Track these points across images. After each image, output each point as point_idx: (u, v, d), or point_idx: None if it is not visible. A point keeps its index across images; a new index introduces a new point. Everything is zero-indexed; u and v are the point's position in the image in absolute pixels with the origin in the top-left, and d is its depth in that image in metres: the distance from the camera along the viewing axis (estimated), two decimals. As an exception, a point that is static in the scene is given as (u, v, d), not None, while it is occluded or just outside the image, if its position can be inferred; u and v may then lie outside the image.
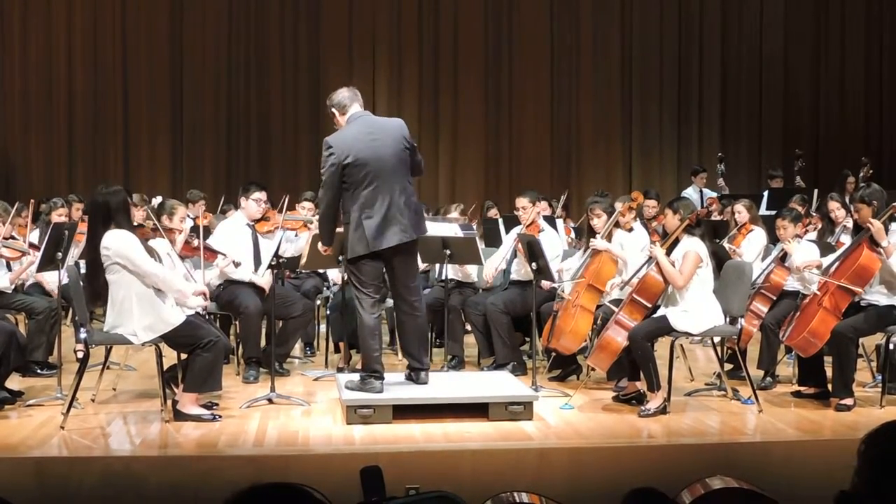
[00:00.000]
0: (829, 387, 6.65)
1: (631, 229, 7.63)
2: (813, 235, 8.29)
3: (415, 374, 6.41)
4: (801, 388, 6.92)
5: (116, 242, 5.96)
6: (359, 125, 6.29)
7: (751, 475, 3.63)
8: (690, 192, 13.39)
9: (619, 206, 7.81)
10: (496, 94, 16.35)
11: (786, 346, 7.28)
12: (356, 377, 6.39)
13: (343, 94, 6.40)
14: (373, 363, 6.27)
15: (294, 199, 9.21)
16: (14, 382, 6.97)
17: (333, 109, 6.39)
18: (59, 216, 8.53)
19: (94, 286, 6.06)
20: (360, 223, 6.13)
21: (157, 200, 7.15)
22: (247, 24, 15.95)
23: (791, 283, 7.31)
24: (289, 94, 16.05)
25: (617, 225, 7.48)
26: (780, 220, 7.56)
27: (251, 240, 7.80)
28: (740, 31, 16.80)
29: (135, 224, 6.44)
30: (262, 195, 7.90)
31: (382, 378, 6.27)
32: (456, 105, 15.85)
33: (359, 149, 6.15)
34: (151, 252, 6.10)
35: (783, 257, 7.40)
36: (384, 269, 6.33)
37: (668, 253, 6.54)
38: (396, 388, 6.34)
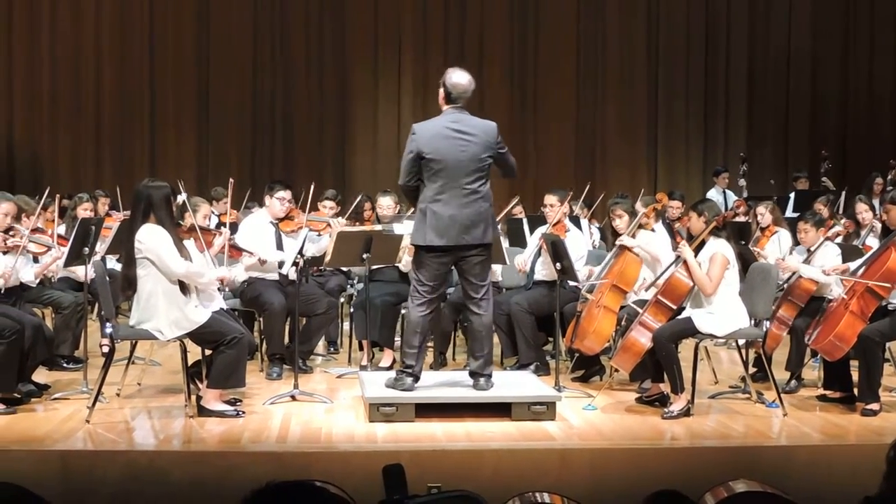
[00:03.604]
0: (855, 391, 6.61)
1: (652, 230, 7.60)
2: (839, 238, 8.22)
3: (473, 377, 6.36)
4: (827, 393, 6.87)
5: (149, 237, 6.01)
6: (448, 120, 6.23)
7: (775, 479, 3.61)
8: (713, 194, 13.33)
9: (639, 206, 7.77)
10: (521, 91, 16.34)
11: (811, 350, 7.24)
12: (394, 374, 6.40)
13: (458, 87, 6.28)
14: (407, 359, 6.28)
15: (316, 199, 9.19)
16: (40, 376, 7.02)
17: (442, 91, 6.30)
18: (84, 211, 8.59)
19: (127, 274, 6.11)
20: (424, 215, 6.15)
21: (181, 198, 7.17)
22: (272, 23, 16.00)
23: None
24: (314, 92, 16.10)
25: (640, 226, 7.45)
26: (801, 224, 7.45)
27: (274, 237, 7.82)
28: (767, 29, 16.70)
29: (177, 222, 6.48)
30: (286, 194, 7.92)
31: (415, 376, 6.27)
32: (481, 103, 15.80)
33: (439, 144, 6.13)
34: (183, 252, 6.12)
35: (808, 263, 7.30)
36: (449, 270, 6.35)
37: (694, 255, 6.51)
38: (420, 386, 6.34)
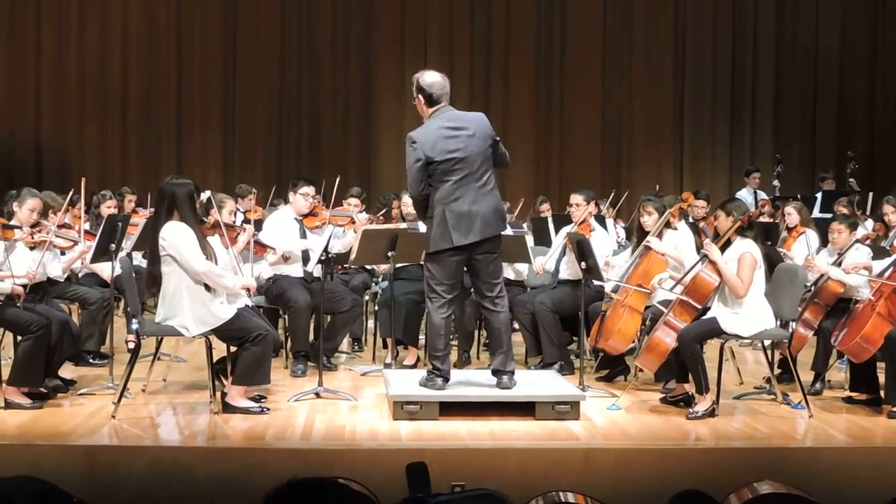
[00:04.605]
0: (882, 393, 6.56)
1: (674, 228, 7.56)
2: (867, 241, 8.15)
3: (496, 376, 6.34)
4: (853, 394, 6.82)
5: (172, 235, 6.04)
6: (443, 119, 6.20)
7: (800, 481, 3.59)
8: (744, 194, 13.27)
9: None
10: (547, 91, 16.31)
11: (837, 352, 7.19)
12: (425, 374, 6.40)
13: (436, 85, 6.22)
14: (435, 362, 6.28)
15: (341, 194, 9.19)
16: (67, 371, 7.08)
17: (420, 96, 6.24)
18: (108, 208, 8.64)
19: (152, 271, 6.15)
20: (443, 217, 6.09)
21: (205, 195, 7.19)
22: (299, 21, 16.05)
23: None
24: (340, 91, 16.14)
25: (667, 225, 7.42)
26: (836, 225, 7.38)
27: (299, 234, 7.85)
28: (795, 30, 16.60)
29: (201, 219, 6.50)
30: (310, 190, 7.94)
31: (446, 377, 6.27)
32: (507, 103, 15.83)
33: (443, 145, 6.10)
34: (207, 249, 6.15)
35: (838, 265, 7.25)
36: (464, 268, 6.29)
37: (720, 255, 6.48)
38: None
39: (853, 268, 6.95)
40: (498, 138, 6.33)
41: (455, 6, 16.16)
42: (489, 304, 6.31)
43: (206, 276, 6.06)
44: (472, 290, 7.56)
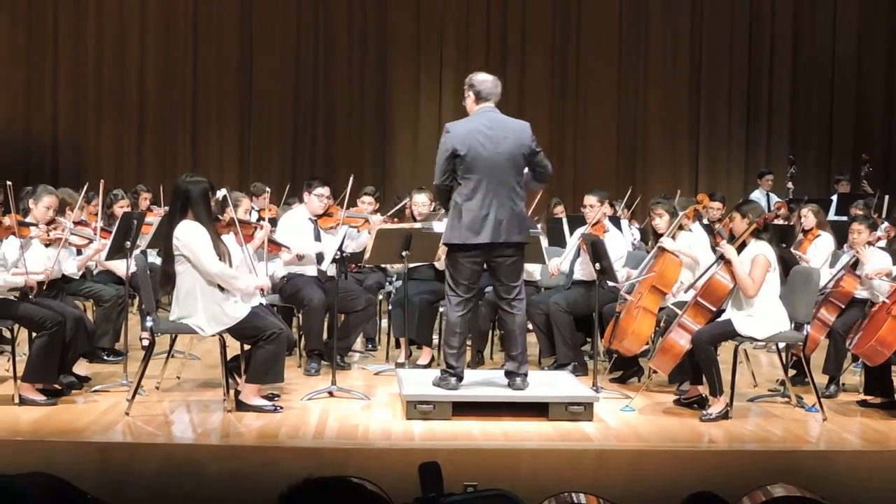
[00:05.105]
0: (896, 397, 6.54)
1: (689, 230, 7.54)
2: (882, 243, 8.13)
3: (509, 377, 6.34)
4: (867, 398, 6.79)
5: (186, 235, 6.04)
6: (482, 118, 6.22)
7: (813, 484, 3.57)
8: (758, 196, 13.23)
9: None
10: (562, 91, 16.30)
11: (852, 355, 7.16)
12: (439, 373, 6.41)
13: (488, 84, 6.29)
14: (449, 360, 6.29)
15: (355, 193, 9.18)
16: (81, 368, 7.10)
17: (471, 93, 6.31)
18: (120, 208, 8.65)
19: (166, 270, 6.15)
20: (459, 213, 6.12)
21: (221, 192, 7.19)
22: (315, 21, 16.07)
23: (860, 291, 7.17)
24: (356, 90, 16.15)
25: (680, 226, 7.41)
26: (855, 225, 7.38)
27: (313, 234, 7.86)
28: (812, 32, 16.53)
29: (216, 217, 6.50)
30: (324, 190, 7.94)
31: (458, 376, 6.27)
32: (522, 101, 15.80)
33: (474, 142, 6.12)
34: (221, 249, 6.14)
35: (854, 264, 7.24)
36: (482, 269, 6.30)
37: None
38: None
39: (875, 273, 6.92)
40: (538, 150, 6.31)
41: (471, 5, 16.15)
42: (506, 305, 6.32)
43: (219, 277, 6.06)
44: (488, 289, 7.59)
